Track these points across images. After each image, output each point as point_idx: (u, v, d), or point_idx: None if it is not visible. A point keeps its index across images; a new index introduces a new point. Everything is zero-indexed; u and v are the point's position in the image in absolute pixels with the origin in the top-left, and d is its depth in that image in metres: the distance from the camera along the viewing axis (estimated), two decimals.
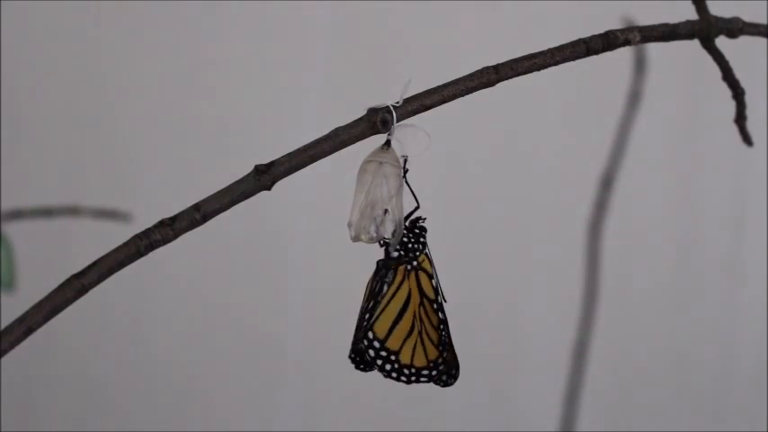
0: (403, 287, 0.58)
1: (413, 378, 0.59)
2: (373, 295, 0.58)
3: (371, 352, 0.58)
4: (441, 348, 0.59)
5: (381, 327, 0.58)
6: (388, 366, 0.58)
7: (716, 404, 1.51)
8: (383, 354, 0.58)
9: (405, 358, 0.58)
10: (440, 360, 0.59)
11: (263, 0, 1.38)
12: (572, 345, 1.24)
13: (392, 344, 0.58)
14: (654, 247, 1.48)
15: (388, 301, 0.58)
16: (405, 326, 0.58)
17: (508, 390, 1.48)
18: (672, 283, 1.49)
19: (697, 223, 1.49)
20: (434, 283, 0.58)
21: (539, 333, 1.46)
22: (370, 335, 0.58)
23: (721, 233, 1.49)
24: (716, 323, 1.50)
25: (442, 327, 0.58)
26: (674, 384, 1.50)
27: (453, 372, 0.60)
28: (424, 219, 0.58)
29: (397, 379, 0.59)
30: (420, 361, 0.59)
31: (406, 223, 0.57)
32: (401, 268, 0.58)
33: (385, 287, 0.58)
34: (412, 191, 0.56)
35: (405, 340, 0.58)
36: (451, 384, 0.60)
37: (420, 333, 0.58)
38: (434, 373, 0.59)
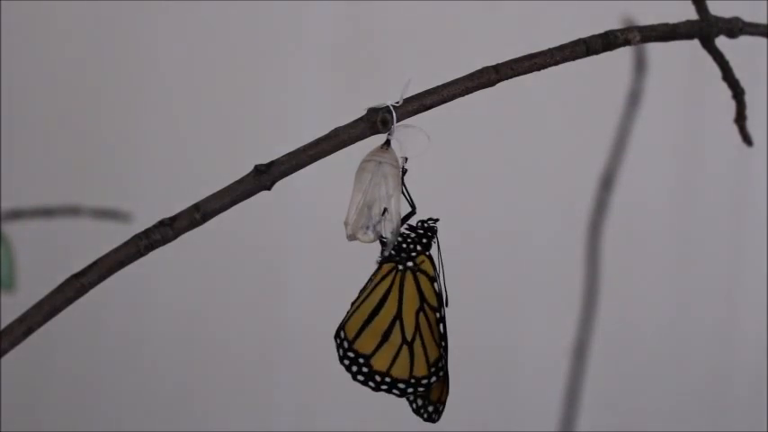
0: (381, 285, 0.54)
1: (383, 387, 0.54)
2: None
3: (340, 351, 0.55)
4: (433, 369, 0.54)
5: (352, 326, 0.54)
6: (354, 368, 0.54)
7: (716, 404, 1.51)
8: (350, 354, 0.54)
9: (379, 365, 0.54)
10: (424, 381, 0.54)
11: (263, 0, 1.38)
12: (572, 345, 1.24)
13: (361, 345, 0.54)
14: (654, 247, 1.48)
15: (363, 300, 0.54)
16: (378, 327, 0.54)
17: (508, 390, 1.48)
18: (672, 282, 1.49)
19: (697, 223, 1.49)
20: (437, 288, 0.55)
21: (539, 333, 1.46)
22: (342, 333, 0.55)
23: (721, 233, 1.49)
24: (716, 323, 1.50)
25: (443, 345, 0.54)
26: (674, 384, 1.50)
27: (440, 407, 0.56)
28: (436, 220, 0.56)
29: (364, 383, 0.54)
30: (400, 372, 0.54)
31: (411, 223, 0.55)
32: (386, 266, 0.54)
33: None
34: (410, 195, 0.55)
35: (380, 344, 0.54)
36: (435, 421, 0.56)
37: (411, 342, 0.54)
38: (411, 390, 0.54)
